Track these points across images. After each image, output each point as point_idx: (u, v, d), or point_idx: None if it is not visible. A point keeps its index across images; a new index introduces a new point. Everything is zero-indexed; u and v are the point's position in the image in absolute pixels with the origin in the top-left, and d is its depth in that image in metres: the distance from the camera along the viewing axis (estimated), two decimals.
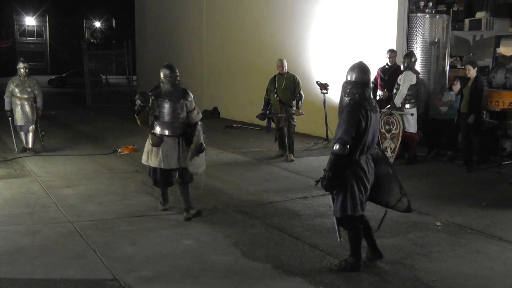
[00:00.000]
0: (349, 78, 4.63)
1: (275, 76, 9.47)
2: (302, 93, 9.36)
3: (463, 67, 10.22)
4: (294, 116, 9.40)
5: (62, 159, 9.71)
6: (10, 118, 10.09)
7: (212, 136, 12.05)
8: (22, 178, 8.20)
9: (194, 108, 6.27)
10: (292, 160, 9.36)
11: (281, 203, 6.84)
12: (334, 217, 4.73)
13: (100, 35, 52.20)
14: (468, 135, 8.58)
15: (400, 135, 8.75)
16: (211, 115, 16.03)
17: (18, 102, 10.02)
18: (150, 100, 6.11)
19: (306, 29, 12.50)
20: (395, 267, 4.79)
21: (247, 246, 5.29)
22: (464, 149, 8.74)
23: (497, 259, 5.01)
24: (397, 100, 8.79)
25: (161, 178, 6.27)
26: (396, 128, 8.80)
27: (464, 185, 7.80)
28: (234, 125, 13.89)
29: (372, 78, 9.48)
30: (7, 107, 10.06)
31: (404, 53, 9.55)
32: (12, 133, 10.15)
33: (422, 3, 10.26)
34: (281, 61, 9.47)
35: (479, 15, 11.99)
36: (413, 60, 8.93)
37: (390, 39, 10.17)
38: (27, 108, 10.06)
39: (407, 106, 8.87)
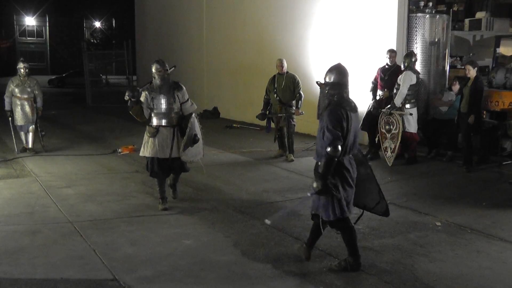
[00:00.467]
0: (327, 80, 4.68)
1: (274, 76, 9.47)
2: (301, 93, 9.35)
3: (463, 67, 10.22)
4: (294, 116, 9.41)
5: (62, 159, 9.72)
6: (10, 118, 10.10)
7: (212, 136, 12.06)
8: (22, 178, 8.21)
9: (188, 100, 6.56)
10: (292, 160, 9.36)
11: (281, 203, 6.84)
12: (312, 214, 4.78)
13: (100, 35, 52.18)
14: (468, 135, 8.58)
15: (400, 135, 8.75)
16: (211, 115, 16.03)
17: (18, 102, 10.03)
18: (144, 94, 6.38)
19: (306, 29, 12.50)
20: (395, 267, 4.79)
21: (247, 246, 5.30)
22: (464, 149, 8.74)
23: (497, 259, 5.01)
24: (397, 100, 8.79)
25: (158, 167, 6.44)
26: (396, 128, 8.80)
27: (464, 185, 7.80)
28: (234, 125, 13.89)
29: (372, 78, 9.63)
30: (7, 107, 10.06)
31: (404, 53, 9.56)
32: (12, 133, 10.16)
33: (422, 3, 10.26)
34: (280, 61, 9.47)
35: (479, 15, 11.99)
36: (413, 60, 8.92)
37: (390, 39, 10.17)
38: (27, 108, 10.06)
39: (407, 106, 8.87)
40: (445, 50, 10.50)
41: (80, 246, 5.30)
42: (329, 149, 4.39)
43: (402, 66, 9.00)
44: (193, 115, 6.52)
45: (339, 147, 4.39)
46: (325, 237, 5.55)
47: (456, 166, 8.81)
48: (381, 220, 6.12)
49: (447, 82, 10.46)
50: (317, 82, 10.99)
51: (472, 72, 8.44)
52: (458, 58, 11.82)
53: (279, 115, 9.41)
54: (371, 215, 6.30)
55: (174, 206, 6.69)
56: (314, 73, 11.82)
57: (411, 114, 8.81)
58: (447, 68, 10.66)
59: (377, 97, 9.55)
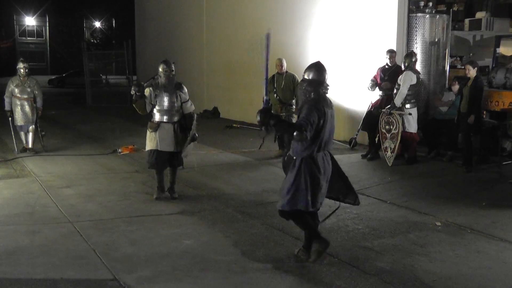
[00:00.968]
0: (305, 77, 4.86)
1: (273, 75, 9.46)
2: None
3: (463, 67, 10.21)
4: (295, 115, 9.40)
5: (62, 159, 9.71)
6: (10, 118, 10.10)
7: (212, 136, 12.08)
8: (22, 178, 8.20)
9: (188, 100, 7.03)
10: None
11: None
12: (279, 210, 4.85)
13: (100, 35, 52.20)
14: (468, 135, 8.58)
15: (400, 135, 8.76)
16: (211, 115, 16.03)
17: (18, 102, 10.03)
18: (148, 90, 6.83)
19: (306, 29, 12.50)
20: (395, 267, 4.79)
21: (247, 246, 5.30)
22: (464, 149, 8.74)
23: (497, 259, 5.01)
24: (398, 100, 8.79)
25: (157, 160, 6.87)
26: (396, 128, 8.80)
27: (464, 185, 7.80)
28: (234, 125, 13.89)
29: (372, 77, 9.62)
30: (7, 107, 10.06)
31: (404, 53, 9.56)
32: (12, 133, 10.15)
33: (422, 3, 10.25)
34: (280, 60, 9.46)
35: (479, 15, 11.98)
36: (413, 60, 8.92)
37: (390, 39, 10.17)
38: (27, 108, 10.06)
39: (407, 106, 8.87)
40: (445, 50, 10.50)
41: (80, 246, 5.30)
42: (296, 133, 4.46)
43: (402, 66, 9.00)
44: (195, 116, 7.06)
45: (304, 136, 4.46)
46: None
47: (456, 166, 8.81)
48: (381, 220, 6.14)
49: (447, 82, 10.46)
50: None
51: (472, 72, 8.44)
52: (458, 58, 11.81)
53: (280, 114, 9.40)
54: (371, 215, 6.33)
55: (174, 206, 6.69)
56: None
57: (410, 114, 8.81)
58: (447, 68, 10.66)
59: (378, 97, 9.57)
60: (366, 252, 5.14)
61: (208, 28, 16.82)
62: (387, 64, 9.46)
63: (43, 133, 10.40)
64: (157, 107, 6.85)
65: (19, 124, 10.11)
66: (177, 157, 6.95)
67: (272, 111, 9.71)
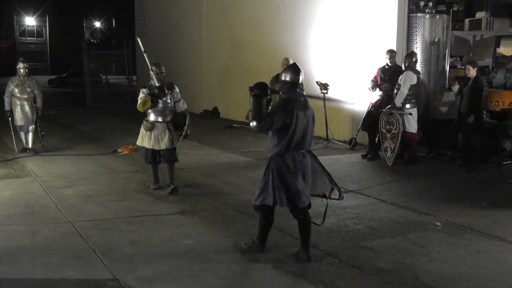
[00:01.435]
0: (282, 78, 4.96)
1: (277, 74, 9.41)
2: (304, 94, 9.37)
3: (463, 67, 10.21)
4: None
5: (62, 159, 9.72)
6: (10, 118, 10.10)
7: (212, 136, 12.08)
8: (22, 178, 8.20)
9: (180, 99, 7.39)
10: None
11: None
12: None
13: (100, 35, 52.19)
14: (468, 135, 8.58)
15: (400, 135, 8.75)
16: (211, 115, 16.01)
17: (18, 102, 10.03)
18: (145, 91, 7.13)
19: (306, 29, 12.50)
20: (395, 267, 4.79)
21: None
22: (464, 149, 8.74)
23: (497, 259, 5.02)
24: (398, 100, 8.79)
25: (152, 157, 7.37)
26: (396, 128, 8.80)
27: (464, 185, 7.80)
28: (234, 125, 13.87)
29: (372, 77, 9.62)
30: (7, 107, 10.06)
31: (405, 53, 9.56)
32: (12, 133, 10.15)
33: (422, 3, 10.25)
34: (287, 59, 9.48)
35: (479, 15, 11.98)
36: (413, 60, 8.92)
37: (390, 39, 10.17)
38: (27, 108, 10.06)
39: (408, 106, 8.87)
40: (445, 50, 10.49)
41: (80, 246, 5.30)
42: (254, 122, 4.69)
43: (402, 66, 9.00)
44: (188, 115, 7.41)
45: (261, 126, 4.67)
46: (325, 237, 5.57)
47: (456, 166, 8.81)
48: (381, 220, 6.14)
49: (447, 82, 10.45)
50: (317, 82, 11.05)
51: (472, 72, 8.44)
52: (458, 58, 11.81)
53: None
54: (371, 215, 6.33)
55: (174, 206, 6.70)
56: (315, 73, 11.83)
57: (411, 114, 8.81)
58: (447, 68, 10.65)
59: (378, 97, 9.57)
60: (366, 252, 5.14)
61: (208, 28, 16.81)
62: (387, 64, 9.46)
63: (43, 133, 10.39)
64: (152, 108, 7.16)
65: (19, 124, 10.11)
66: (172, 154, 7.30)
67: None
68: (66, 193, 7.29)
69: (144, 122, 7.29)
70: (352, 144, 10.50)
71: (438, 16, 10.37)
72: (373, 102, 9.71)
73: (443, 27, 10.37)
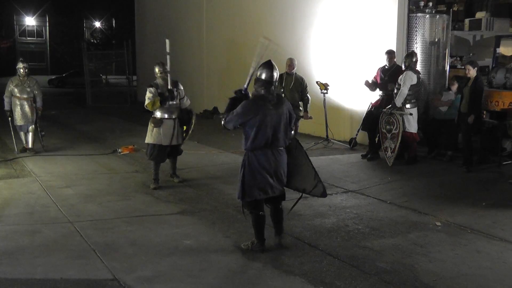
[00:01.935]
0: (257, 75, 5.07)
1: (282, 74, 9.35)
2: (309, 96, 9.44)
3: (463, 67, 10.21)
4: (301, 119, 9.45)
5: (62, 159, 9.71)
6: (9, 118, 10.09)
7: (212, 136, 12.07)
8: (22, 178, 8.20)
9: (184, 96, 7.74)
10: None
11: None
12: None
13: (100, 35, 52.15)
14: (468, 135, 8.58)
15: (400, 135, 8.75)
16: (211, 115, 16.01)
17: (18, 102, 10.03)
18: (153, 90, 7.40)
19: (306, 29, 12.49)
20: (395, 267, 4.79)
21: None
22: (464, 149, 8.73)
23: (497, 259, 5.01)
24: (398, 100, 8.79)
25: (158, 153, 7.51)
26: (396, 128, 8.80)
27: (464, 185, 7.80)
28: None
29: (372, 77, 9.62)
30: (6, 107, 10.06)
31: (405, 53, 9.56)
32: (12, 133, 10.15)
33: (422, 3, 10.24)
34: (291, 60, 9.49)
35: (479, 15, 11.97)
36: (414, 60, 8.92)
37: (390, 39, 10.16)
38: (27, 108, 10.06)
39: (408, 106, 8.87)
40: (445, 50, 10.49)
41: (80, 246, 5.30)
42: (223, 121, 5.01)
43: (402, 66, 9.00)
44: (193, 111, 7.88)
45: (223, 123, 5.01)
46: (325, 237, 5.57)
47: (456, 166, 8.81)
48: (381, 220, 6.14)
49: (447, 82, 10.45)
50: (317, 82, 11.05)
51: (472, 72, 8.44)
52: (458, 58, 11.80)
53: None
54: (371, 215, 6.33)
55: (174, 206, 6.70)
56: (315, 73, 11.83)
57: (411, 114, 8.81)
58: (447, 68, 10.65)
59: (378, 97, 9.57)
60: (366, 252, 5.14)
61: (208, 28, 16.81)
62: (386, 65, 9.46)
63: (43, 133, 10.39)
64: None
65: (19, 124, 10.11)
66: (177, 149, 7.74)
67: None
68: (66, 193, 7.29)
69: (152, 118, 7.57)
70: (352, 144, 10.50)
71: (438, 16, 10.37)
72: (373, 102, 9.71)
73: (443, 27, 10.36)
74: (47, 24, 56.83)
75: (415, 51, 9.78)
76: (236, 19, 15.24)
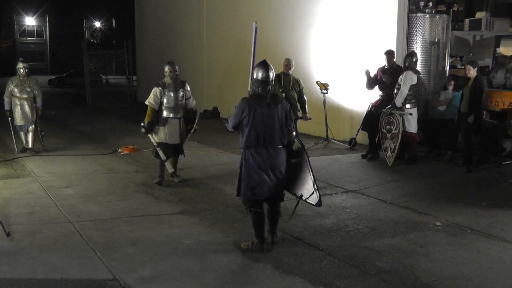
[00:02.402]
0: (254, 76, 5.15)
1: (279, 74, 9.36)
2: (305, 97, 9.46)
3: (463, 67, 10.21)
4: (301, 120, 9.46)
5: (62, 159, 9.71)
6: (9, 118, 10.09)
7: (212, 136, 12.08)
8: (22, 178, 8.20)
9: (190, 96, 7.89)
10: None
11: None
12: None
13: (100, 35, 52.18)
14: (468, 135, 8.58)
15: (400, 135, 8.75)
16: (211, 115, 16.02)
17: (18, 102, 10.03)
18: (158, 90, 7.58)
19: (306, 29, 12.50)
20: (395, 267, 4.79)
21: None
22: (464, 149, 8.73)
23: (497, 259, 5.01)
24: (398, 100, 8.79)
25: (164, 151, 7.61)
26: (396, 128, 8.80)
27: (464, 185, 7.79)
28: None
29: (372, 76, 9.61)
30: (6, 107, 10.06)
31: (405, 53, 9.56)
32: (12, 133, 10.14)
33: (422, 3, 10.24)
34: (287, 60, 9.48)
35: (479, 15, 11.97)
36: (414, 60, 8.92)
37: (390, 39, 10.16)
38: (27, 108, 10.06)
39: (408, 106, 8.87)
40: (445, 50, 10.49)
41: (80, 246, 5.30)
42: (225, 124, 5.17)
43: (403, 66, 9.00)
44: (198, 111, 8.00)
45: (228, 128, 5.12)
46: (325, 237, 5.57)
47: (456, 166, 8.81)
48: (381, 220, 6.14)
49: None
50: (317, 82, 11.06)
51: (472, 72, 8.43)
52: (458, 58, 11.80)
53: None
54: (371, 215, 6.34)
55: (174, 206, 6.70)
56: (315, 73, 11.84)
57: (411, 114, 8.82)
58: (447, 68, 10.65)
59: (378, 97, 9.57)
60: (366, 252, 5.14)
61: (208, 28, 16.81)
62: (385, 65, 9.45)
63: (43, 133, 10.39)
64: (165, 104, 7.61)
65: (19, 124, 10.11)
66: (180, 148, 7.85)
67: None
68: (66, 193, 7.29)
69: (157, 118, 7.67)
70: (352, 144, 10.50)
71: (438, 16, 10.37)
72: (373, 102, 9.70)
73: (443, 27, 10.37)
74: (47, 24, 56.84)
75: (415, 51, 9.78)
76: (236, 19, 15.24)
